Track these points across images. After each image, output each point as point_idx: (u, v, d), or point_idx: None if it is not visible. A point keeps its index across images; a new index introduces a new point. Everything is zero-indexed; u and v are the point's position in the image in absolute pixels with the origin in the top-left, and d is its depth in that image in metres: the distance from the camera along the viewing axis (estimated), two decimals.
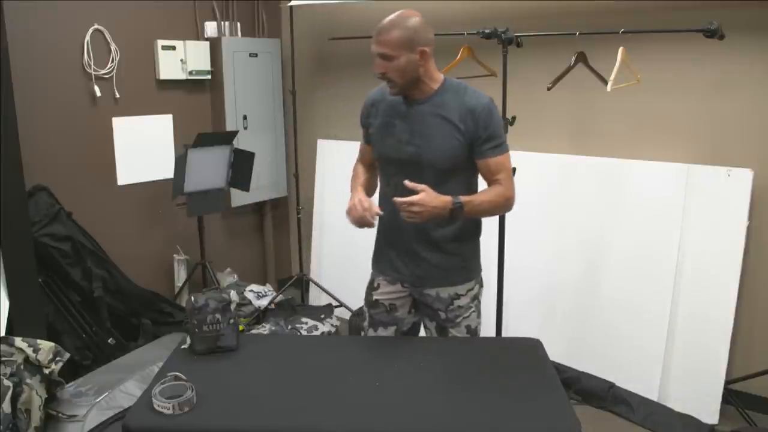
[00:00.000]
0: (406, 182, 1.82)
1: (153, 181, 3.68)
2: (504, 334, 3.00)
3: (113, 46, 3.40)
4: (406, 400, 1.67)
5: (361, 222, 1.88)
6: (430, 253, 2.00)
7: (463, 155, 1.91)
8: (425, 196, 1.79)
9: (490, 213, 2.03)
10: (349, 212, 1.91)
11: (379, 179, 2.11)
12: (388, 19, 1.86)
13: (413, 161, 1.92)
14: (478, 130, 1.88)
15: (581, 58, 2.78)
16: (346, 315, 3.78)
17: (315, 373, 1.83)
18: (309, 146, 4.19)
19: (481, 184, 2.01)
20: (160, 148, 3.71)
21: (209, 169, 3.58)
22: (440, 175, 1.91)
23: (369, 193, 2.08)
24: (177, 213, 3.68)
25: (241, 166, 3.69)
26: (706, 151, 2.81)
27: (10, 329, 2.59)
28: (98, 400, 2.64)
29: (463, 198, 1.85)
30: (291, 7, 3.75)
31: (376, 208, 1.89)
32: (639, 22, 2.75)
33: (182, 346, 1.97)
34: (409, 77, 1.88)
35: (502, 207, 2.01)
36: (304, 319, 3.70)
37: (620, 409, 2.85)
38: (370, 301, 2.15)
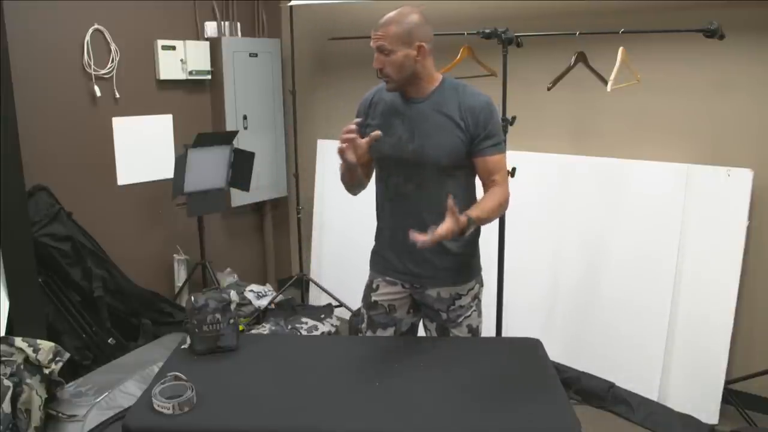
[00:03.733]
0: (449, 201, 1.71)
1: (153, 181, 3.68)
2: (504, 334, 3.00)
3: (113, 46, 3.40)
4: (406, 400, 1.67)
5: (349, 141, 1.81)
6: (433, 255, 1.99)
7: (464, 153, 1.91)
8: (450, 228, 1.70)
9: (492, 220, 2.00)
10: (341, 150, 1.83)
11: (375, 182, 2.08)
12: (388, 14, 1.87)
13: (414, 160, 1.92)
14: (477, 127, 1.89)
15: (581, 58, 2.78)
16: (346, 315, 3.78)
17: (315, 373, 1.83)
18: (309, 146, 4.19)
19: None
20: (160, 148, 3.71)
21: (209, 169, 3.58)
22: (441, 174, 1.91)
23: (364, 177, 2.05)
24: (177, 213, 3.68)
25: (241, 166, 3.69)
26: (706, 151, 2.81)
27: (10, 329, 2.59)
28: (98, 400, 2.64)
29: (473, 214, 1.79)
30: (291, 7, 3.76)
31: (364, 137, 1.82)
32: (639, 22, 2.75)
33: (182, 346, 1.97)
34: (405, 73, 1.88)
35: (502, 210, 2.00)
36: (304, 319, 3.70)
37: (620, 409, 2.85)
38: (368, 303, 2.15)
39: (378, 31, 1.86)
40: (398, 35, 1.84)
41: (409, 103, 1.95)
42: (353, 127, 1.83)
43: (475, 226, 1.84)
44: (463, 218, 1.75)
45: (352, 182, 2.00)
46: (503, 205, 1.95)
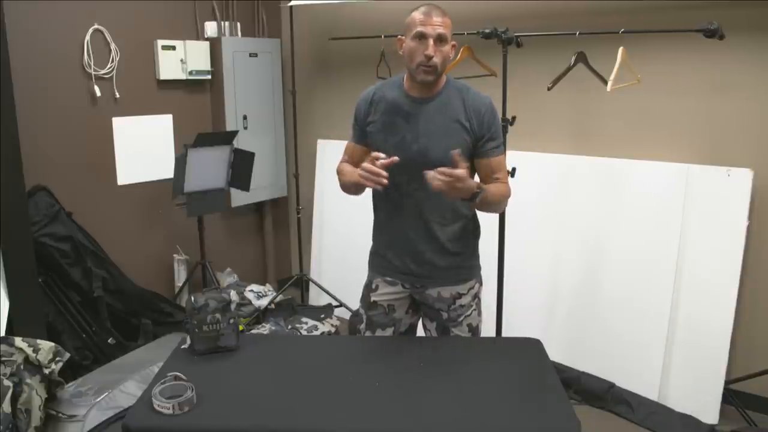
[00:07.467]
0: (453, 152, 1.73)
1: (153, 181, 3.68)
2: (504, 334, 2.99)
3: (113, 46, 3.40)
4: (406, 400, 1.67)
5: (377, 177, 1.76)
6: (433, 254, 2.00)
7: (468, 154, 1.92)
8: (466, 174, 1.74)
9: (494, 207, 2.01)
10: (363, 178, 1.79)
11: None
12: (431, 5, 1.87)
13: (419, 160, 1.91)
14: (482, 129, 1.91)
15: (581, 58, 2.78)
16: (346, 315, 3.78)
17: (315, 373, 1.83)
18: (309, 146, 4.20)
19: None
20: (160, 148, 3.71)
21: (209, 169, 3.58)
22: None
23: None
24: (177, 213, 3.68)
25: (241, 166, 3.69)
26: (706, 151, 2.81)
27: (10, 329, 2.59)
28: (98, 400, 2.63)
29: (483, 185, 1.85)
30: (291, 7, 3.75)
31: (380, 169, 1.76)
32: (639, 22, 2.75)
33: (182, 346, 1.97)
34: (445, 67, 1.90)
35: (503, 204, 2.03)
36: (304, 319, 3.70)
37: (620, 409, 2.85)
38: (368, 303, 2.14)
39: (439, 19, 1.85)
40: (450, 27, 1.88)
41: (414, 102, 1.94)
42: (384, 173, 1.76)
43: (479, 199, 1.81)
44: (474, 181, 1.79)
45: (357, 194, 2.01)
46: (506, 197, 1.97)
